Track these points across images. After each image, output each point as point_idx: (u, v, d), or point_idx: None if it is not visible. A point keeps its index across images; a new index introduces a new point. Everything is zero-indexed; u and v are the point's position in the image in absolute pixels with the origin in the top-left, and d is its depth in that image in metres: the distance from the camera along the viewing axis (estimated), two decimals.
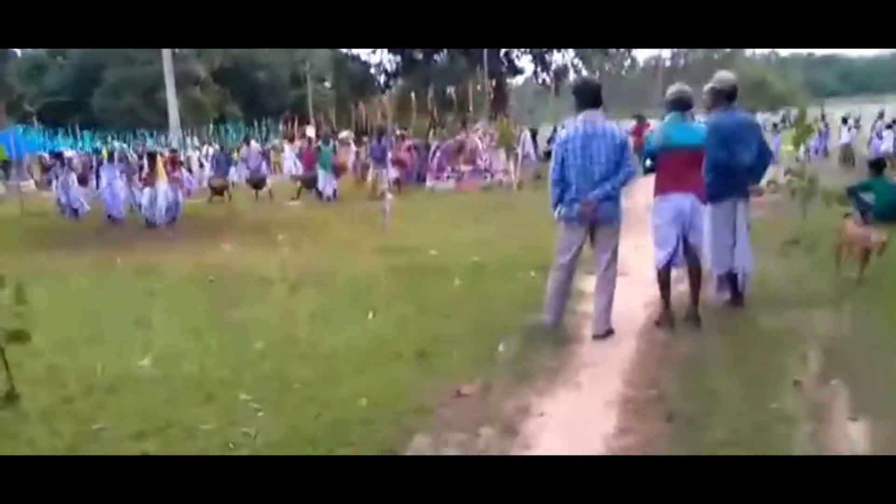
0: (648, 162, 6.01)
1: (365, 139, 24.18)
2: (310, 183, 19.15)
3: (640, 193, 6.45)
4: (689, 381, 4.74)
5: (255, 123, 35.06)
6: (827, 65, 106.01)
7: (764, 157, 6.31)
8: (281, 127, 34.71)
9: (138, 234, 13.78)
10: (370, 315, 6.65)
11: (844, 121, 23.21)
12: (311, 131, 22.41)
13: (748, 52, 45.30)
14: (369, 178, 19.67)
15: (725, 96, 6.22)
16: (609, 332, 5.83)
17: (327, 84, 56.54)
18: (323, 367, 5.24)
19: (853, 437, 3.89)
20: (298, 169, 20.96)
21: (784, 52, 75.34)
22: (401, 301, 7.17)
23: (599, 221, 5.73)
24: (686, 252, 5.97)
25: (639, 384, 4.80)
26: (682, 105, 5.92)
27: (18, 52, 54.06)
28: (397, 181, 19.38)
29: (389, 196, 13.22)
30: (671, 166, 5.83)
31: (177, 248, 11.59)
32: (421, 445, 3.98)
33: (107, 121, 46.76)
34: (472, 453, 3.90)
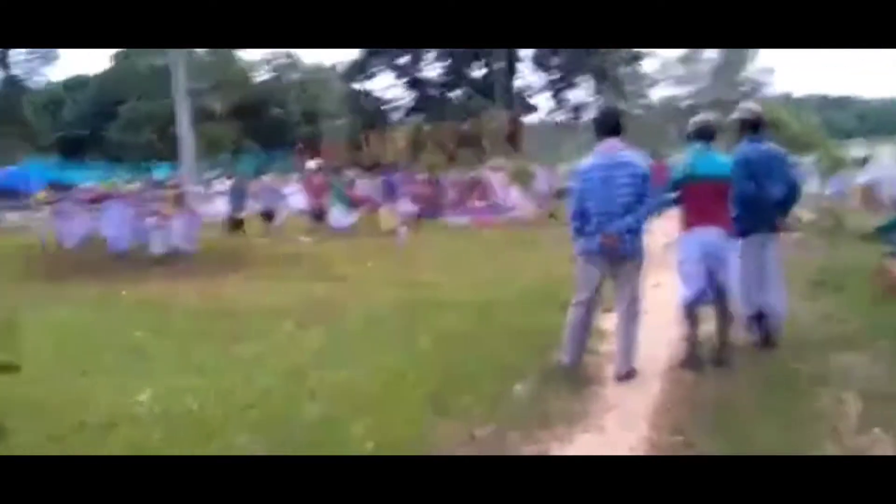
0: (672, 194, 5.75)
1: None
2: (318, 215, 18.92)
3: (658, 230, 6.19)
4: (719, 427, 4.42)
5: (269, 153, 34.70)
6: (842, 106, 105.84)
7: (793, 189, 6.05)
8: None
9: (146, 268, 13.56)
10: (380, 352, 6.36)
11: (864, 161, 22.91)
12: (312, 164, 22.20)
13: (763, 92, 45.09)
14: (381, 212, 19.37)
15: (750, 126, 5.98)
16: (632, 373, 5.53)
17: (338, 122, 56.95)
18: (330, 406, 4.96)
19: None
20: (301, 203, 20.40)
21: (798, 94, 75.29)
22: (413, 337, 6.89)
23: (621, 256, 5.46)
24: (714, 289, 5.68)
25: (665, 428, 4.49)
26: (706, 135, 5.69)
27: (33, 86, 54.56)
28: (416, 216, 19.21)
29: (404, 228, 12.99)
30: (697, 199, 5.57)
31: (185, 282, 11.35)
32: None
33: (123, 155, 47.05)
34: None
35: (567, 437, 4.44)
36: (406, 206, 19.47)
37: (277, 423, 4.68)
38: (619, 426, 4.60)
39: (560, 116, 43.41)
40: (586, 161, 5.55)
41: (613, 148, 5.41)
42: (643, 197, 5.38)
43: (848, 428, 4.32)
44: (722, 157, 5.69)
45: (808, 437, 4.21)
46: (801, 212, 9.67)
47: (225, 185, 21.80)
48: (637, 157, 5.46)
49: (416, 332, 7.09)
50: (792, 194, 6.04)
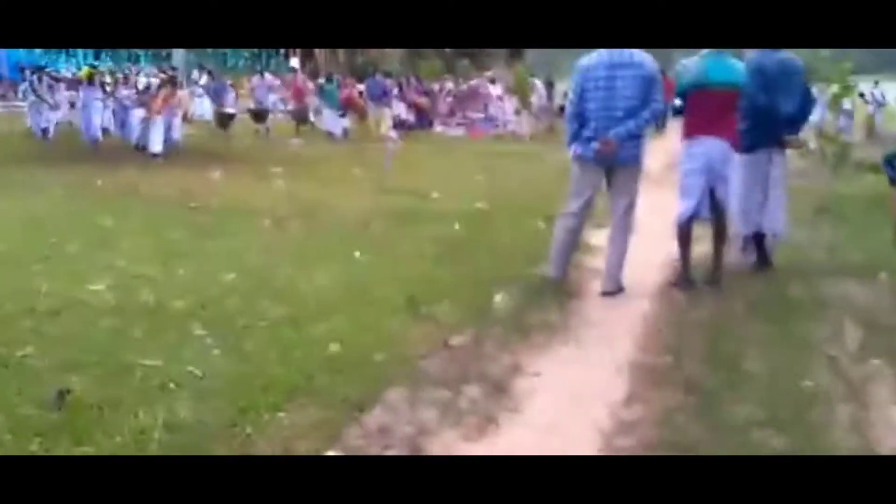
0: (678, 101, 5.33)
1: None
2: (301, 119, 18.32)
3: (658, 150, 5.78)
4: (710, 350, 4.13)
5: (260, 54, 32.92)
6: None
7: (807, 105, 5.64)
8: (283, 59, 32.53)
9: (126, 158, 13.04)
10: (357, 255, 6.04)
11: (861, 95, 22.24)
12: (295, 62, 21.42)
13: None
14: (370, 118, 18.76)
15: None
16: (620, 290, 5.22)
17: None
18: (296, 306, 4.64)
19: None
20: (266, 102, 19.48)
21: None
22: (394, 243, 6.57)
23: (619, 163, 5.08)
24: (712, 205, 5.32)
25: (651, 349, 4.20)
26: None
27: None
28: (410, 125, 18.69)
29: (394, 135, 12.50)
30: (705, 107, 5.14)
31: (164, 175, 10.90)
32: (394, 400, 3.40)
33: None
34: (454, 413, 3.32)
35: (545, 349, 4.15)
36: (401, 112, 18.93)
37: (237, 319, 4.37)
38: (600, 342, 4.31)
39: None
40: (590, 57, 5.10)
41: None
42: (648, 101, 4.97)
43: (845, 357, 4.03)
44: (736, 64, 5.24)
45: (802, 365, 3.92)
46: (807, 136, 9.22)
47: (255, 81, 20.81)
48: (646, 58, 5.01)
49: (397, 238, 6.76)
50: (805, 109, 5.63)
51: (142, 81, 18.37)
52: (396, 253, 6.16)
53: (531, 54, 32.22)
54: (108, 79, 17.67)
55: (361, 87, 20.18)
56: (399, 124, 18.44)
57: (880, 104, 21.86)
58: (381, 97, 17.89)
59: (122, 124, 15.04)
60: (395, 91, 19.45)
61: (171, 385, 3.40)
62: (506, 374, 3.75)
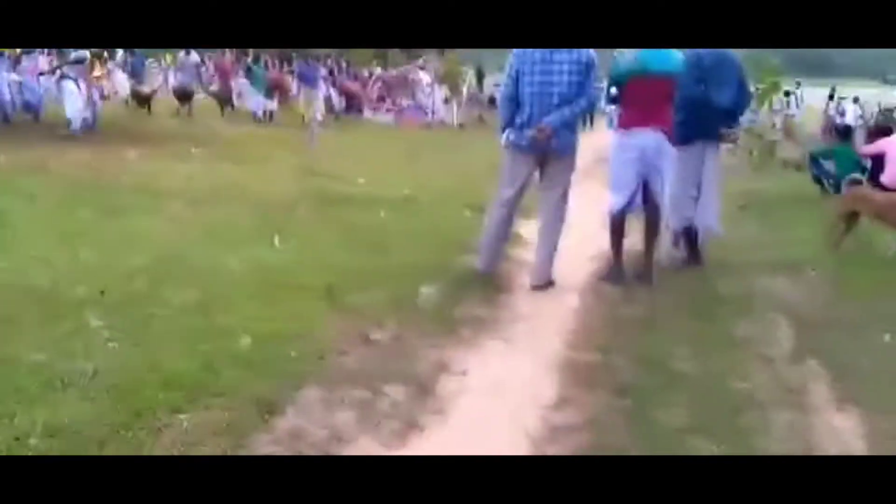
0: (613, 90, 5.16)
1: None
2: (224, 100, 17.65)
3: (586, 143, 5.59)
4: (642, 348, 3.97)
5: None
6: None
7: (743, 98, 5.55)
8: None
9: (35, 134, 12.23)
10: (276, 240, 5.70)
11: (787, 94, 22.82)
12: None
13: None
14: (301, 102, 18.20)
15: None
16: (550, 284, 5.04)
17: None
18: (207, 293, 4.30)
19: (836, 426, 3.20)
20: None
21: None
22: (316, 229, 6.25)
23: (553, 152, 4.88)
24: (645, 198, 5.19)
25: (582, 346, 4.02)
26: None
27: None
28: (339, 110, 18.26)
29: (319, 116, 12.09)
30: (640, 96, 4.99)
31: (77, 153, 10.23)
32: (307, 402, 3.11)
33: None
34: (373, 415, 3.06)
35: (472, 345, 3.93)
36: (331, 97, 18.48)
37: (140, 307, 4.00)
38: (529, 337, 4.12)
39: None
40: None
41: None
42: (584, 88, 4.78)
43: (780, 357, 3.92)
44: (673, 53, 5.10)
45: (736, 365, 3.80)
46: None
47: (181, 58, 19.78)
48: None
49: (320, 224, 6.45)
50: (742, 102, 5.55)
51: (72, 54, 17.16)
52: (318, 239, 5.86)
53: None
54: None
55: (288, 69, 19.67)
56: (329, 109, 18.00)
57: (798, 105, 22.42)
58: (312, 81, 17.36)
59: (29, 98, 13.96)
60: (325, 75, 18.94)
61: (58, 383, 3.03)
62: (430, 373, 3.51)
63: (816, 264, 5.74)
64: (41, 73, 14.26)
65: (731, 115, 5.49)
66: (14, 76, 13.59)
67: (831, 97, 23.16)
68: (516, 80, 4.82)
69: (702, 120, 5.31)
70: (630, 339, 4.11)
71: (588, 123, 15.02)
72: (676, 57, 5.07)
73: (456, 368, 3.60)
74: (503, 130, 4.99)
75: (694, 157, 5.46)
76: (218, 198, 7.30)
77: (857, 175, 7.35)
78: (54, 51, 18.19)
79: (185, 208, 6.79)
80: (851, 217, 6.08)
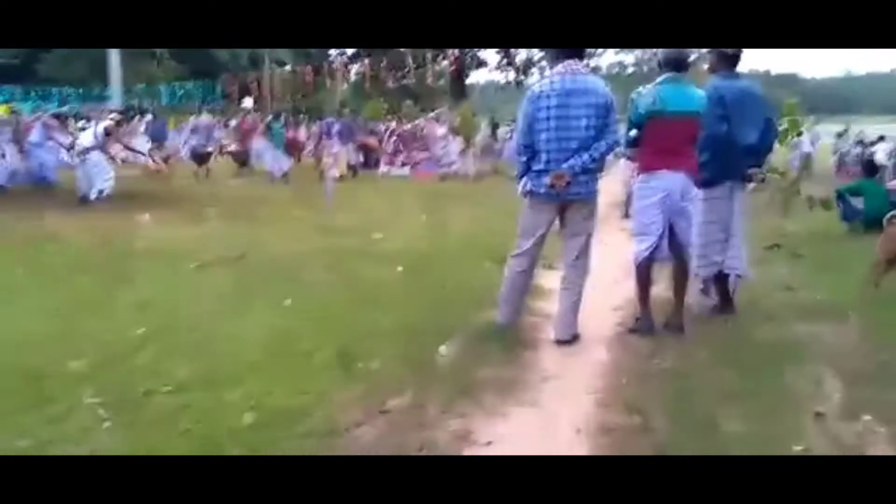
0: (634, 132, 4.94)
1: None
2: (243, 160, 17.64)
3: (605, 181, 5.36)
4: (680, 407, 3.66)
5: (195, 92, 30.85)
6: (784, 84, 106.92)
7: (769, 135, 5.27)
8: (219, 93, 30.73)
9: (47, 202, 12.10)
10: (288, 302, 5.47)
11: (800, 134, 22.63)
12: (248, 102, 20.80)
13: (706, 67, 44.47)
14: (327, 158, 18.11)
15: (728, 60, 5.14)
16: (575, 338, 4.76)
17: (287, 67, 54.58)
18: (211, 365, 4.05)
19: None
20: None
21: (742, 69, 75.85)
22: (329, 288, 6.01)
23: (573, 199, 4.64)
24: (671, 244, 4.92)
25: (614, 406, 3.71)
26: (679, 65, 4.87)
27: None
28: (359, 166, 18.22)
29: (335, 172, 11.93)
30: (662, 138, 4.76)
31: (89, 219, 10.11)
32: None
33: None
34: None
35: (497, 411, 3.63)
36: (349, 154, 18.44)
37: (139, 383, 3.75)
38: (558, 399, 3.82)
39: (510, 75, 42.19)
40: (540, 84, 4.67)
41: (573, 71, 4.54)
42: (604, 131, 4.56)
43: (831, 412, 3.60)
44: (694, 91, 4.88)
45: (786, 424, 3.48)
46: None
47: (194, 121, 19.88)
48: (599, 84, 4.60)
49: (334, 283, 6.22)
50: (768, 141, 5.28)
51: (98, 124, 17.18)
52: (331, 299, 5.61)
53: (475, 96, 32.21)
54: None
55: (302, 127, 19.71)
56: (348, 166, 17.98)
57: (813, 144, 22.19)
58: (341, 137, 17.39)
59: (40, 167, 13.78)
60: (340, 129, 18.95)
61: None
62: (452, 444, 3.22)
63: (854, 307, 5.42)
64: (70, 147, 14.00)
65: (757, 154, 5.22)
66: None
67: (840, 135, 22.93)
68: (531, 126, 4.60)
69: (727, 160, 5.04)
70: (666, 396, 3.80)
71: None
72: (698, 95, 4.85)
73: (480, 439, 3.30)
74: (520, 179, 4.76)
75: (720, 199, 5.19)
76: (229, 260, 7.11)
77: None
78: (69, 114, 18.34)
79: (195, 273, 6.60)
80: (895, 256, 5.76)
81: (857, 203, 8.84)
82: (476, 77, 44.44)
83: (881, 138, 21.31)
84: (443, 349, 4.44)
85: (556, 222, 4.80)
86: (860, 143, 22.11)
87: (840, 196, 9.25)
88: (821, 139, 22.72)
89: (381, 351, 4.35)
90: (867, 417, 3.48)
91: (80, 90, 26.77)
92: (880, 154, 18.59)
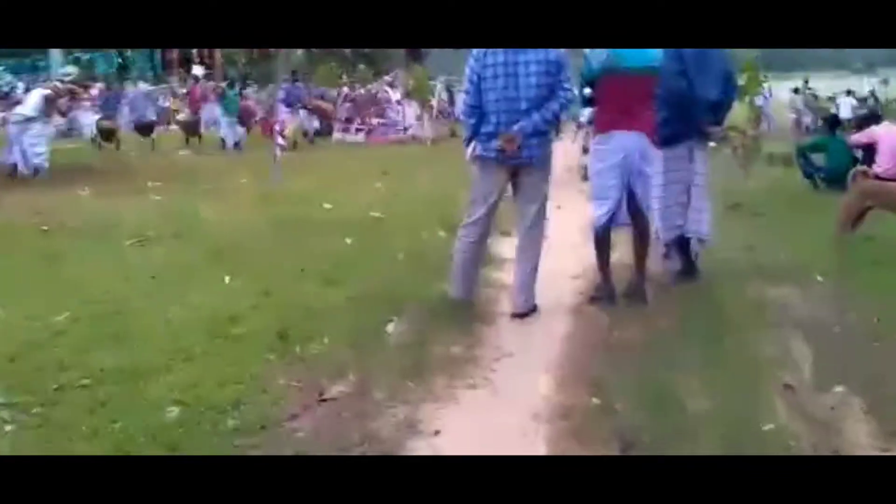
0: (588, 90, 4.65)
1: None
2: (193, 129, 17.04)
3: (556, 149, 5.06)
4: (643, 384, 3.43)
5: (123, 57, 29.26)
6: None
7: (730, 91, 5.04)
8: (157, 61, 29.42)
9: None
10: (227, 279, 5.13)
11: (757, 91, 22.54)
12: (198, 70, 20.16)
13: None
14: (280, 127, 17.52)
15: None
16: (533, 310, 4.51)
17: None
18: (137, 352, 3.72)
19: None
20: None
21: None
22: (275, 262, 5.68)
23: (525, 163, 4.35)
24: (631, 208, 4.67)
25: (574, 386, 3.47)
26: None
27: None
28: (314, 132, 17.73)
29: (281, 141, 11.48)
30: (617, 96, 4.47)
31: (23, 195, 9.57)
32: None
33: None
34: None
35: (447, 395, 3.37)
36: (303, 121, 17.95)
37: (53, 377, 3.41)
38: (513, 379, 3.56)
39: None
40: None
41: None
42: (555, 90, 4.27)
43: (802, 384, 3.39)
44: None
45: (754, 395, 3.27)
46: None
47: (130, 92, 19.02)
48: None
49: (278, 256, 5.88)
50: (729, 95, 5.04)
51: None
52: (274, 276, 5.28)
53: (431, 58, 31.56)
54: None
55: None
56: (304, 132, 17.52)
57: (766, 99, 22.12)
58: (288, 104, 16.85)
59: None
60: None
61: None
62: (397, 436, 2.94)
63: (820, 267, 5.26)
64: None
65: (718, 111, 4.98)
66: None
67: (796, 90, 22.86)
68: (478, 87, 4.29)
69: (687, 117, 4.82)
70: (629, 372, 3.56)
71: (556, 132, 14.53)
72: (653, 50, 4.57)
73: (428, 428, 3.03)
74: (468, 143, 4.46)
75: (681, 159, 4.96)
76: (170, 234, 6.74)
77: (863, 167, 6.85)
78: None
79: (132, 250, 6.22)
80: (861, 212, 5.60)
81: (818, 160, 8.69)
82: None
83: (848, 92, 21.27)
84: (390, 327, 4.17)
85: (509, 188, 4.53)
86: (815, 97, 22.10)
87: (802, 153, 9.10)
88: (773, 96, 22.67)
89: (324, 331, 4.05)
90: (839, 389, 3.28)
91: (13, 60, 25.52)
92: (844, 109, 18.57)
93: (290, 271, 5.38)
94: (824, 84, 24.87)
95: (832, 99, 22.06)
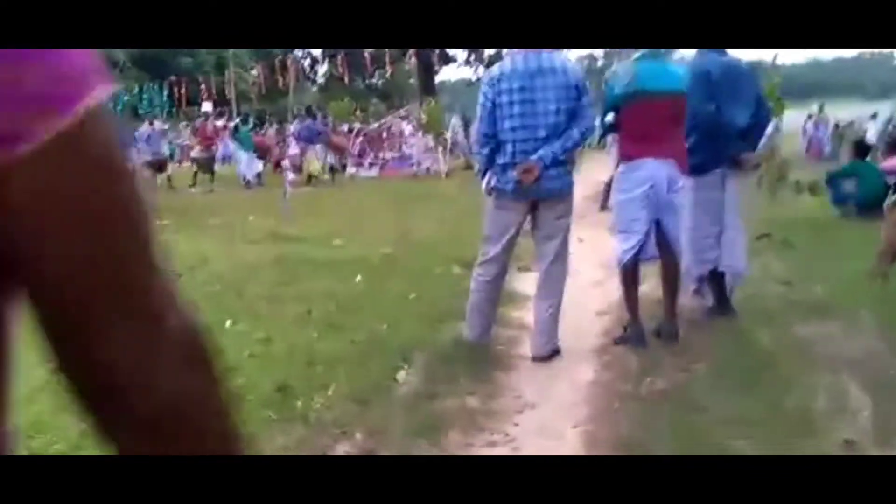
0: (610, 116, 4.34)
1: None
2: (207, 166, 16.91)
3: (582, 169, 4.78)
4: (681, 437, 3.07)
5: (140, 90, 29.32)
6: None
7: (762, 115, 4.72)
8: (165, 98, 29.42)
9: None
10: (228, 324, 4.82)
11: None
12: (207, 106, 20.12)
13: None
14: (290, 162, 17.40)
15: None
16: (555, 353, 4.16)
17: (254, 72, 53.76)
18: None
19: None
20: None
21: None
22: (279, 304, 5.37)
23: (545, 195, 4.04)
24: (660, 241, 4.33)
25: (605, 439, 3.12)
26: None
27: None
28: (331, 168, 17.58)
29: (291, 177, 11.26)
30: (642, 121, 4.16)
31: None
32: None
33: None
34: None
35: (463, 451, 3.02)
36: (328, 156, 17.80)
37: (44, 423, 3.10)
38: (535, 436, 3.20)
39: (479, 70, 41.65)
40: (501, 65, 4.08)
41: (538, 49, 3.93)
42: (576, 116, 3.96)
43: (859, 436, 3.02)
44: (675, 69, 4.30)
45: (807, 448, 2.90)
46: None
47: (145, 129, 19.11)
48: (569, 62, 4.01)
49: (283, 298, 5.57)
50: (761, 120, 4.71)
51: None
52: (278, 317, 4.97)
53: (444, 93, 31.65)
54: None
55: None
56: (331, 169, 17.41)
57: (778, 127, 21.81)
58: (299, 139, 16.74)
59: None
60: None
61: None
62: None
63: (861, 303, 4.88)
64: None
65: (749, 136, 4.64)
66: None
67: (810, 116, 22.52)
68: (493, 114, 3.99)
69: (717, 144, 4.48)
70: (665, 421, 3.20)
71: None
72: (680, 73, 4.27)
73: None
74: (483, 175, 4.15)
75: (711, 188, 4.62)
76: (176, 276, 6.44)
77: None
78: None
79: None
80: None
81: (849, 186, 8.32)
82: (446, 74, 43.93)
83: (873, 116, 20.88)
84: (401, 376, 3.82)
85: (527, 223, 4.21)
86: (836, 126, 21.73)
87: (831, 180, 8.74)
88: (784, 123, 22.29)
89: (329, 381, 3.72)
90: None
91: None
92: (871, 133, 18.15)
93: (293, 315, 5.07)
94: (840, 110, 24.48)
95: (851, 125, 21.66)
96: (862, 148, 9.15)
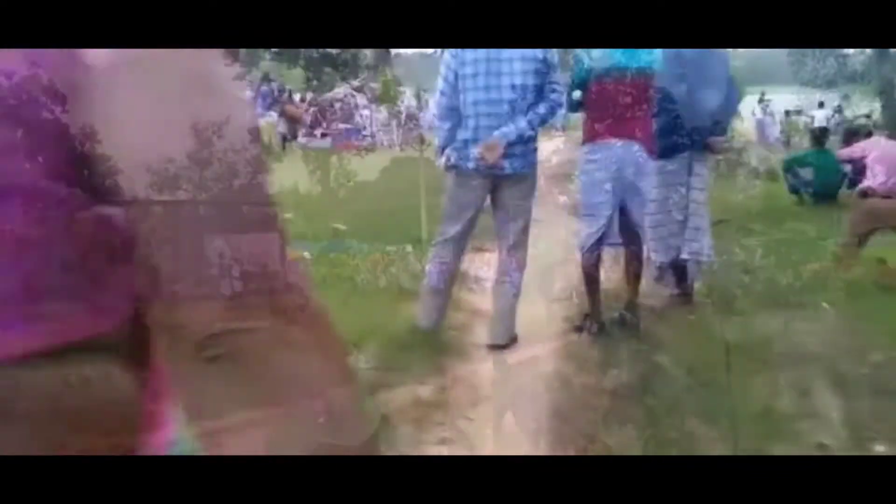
0: (577, 93, 4.12)
1: None
2: None
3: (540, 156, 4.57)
4: (644, 435, 2.90)
5: None
6: None
7: (733, 97, 4.56)
8: None
9: None
10: None
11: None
12: None
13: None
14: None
15: None
16: (512, 341, 3.96)
17: None
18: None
19: None
20: None
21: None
22: None
23: (508, 174, 3.81)
24: (623, 227, 4.15)
25: (565, 435, 2.93)
26: None
27: None
28: (283, 137, 17.12)
29: None
30: (610, 100, 3.95)
31: None
32: None
33: None
34: None
35: (413, 450, 2.81)
36: (281, 125, 17.35)
37: None
38: (489, 433, 3.00)
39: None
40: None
41: None
42: (543, 91, 3.74)
43: (836, 440, 2.88)
44: None
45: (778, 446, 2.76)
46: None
47: None
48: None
49: None
50: (732, 103, 4.57)
51: None
52: None
53: (399, 65, 31.11)
54: None
55: None
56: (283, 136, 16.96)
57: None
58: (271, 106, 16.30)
59: None
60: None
61: None
62: None
63: (823, 293, 4.78)
64: None
65: (719, 119, 4.48)
66: None
67: (760, 101, 22.76)
68: (455, 86, 3.74)
69: (686, 126, 4.31)
70: (624, 415, 3.03)
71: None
72: (648, 51, 4.06)
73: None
74: (442, 150, 3.91)
75: (678, 172, 4.46)
76: None
77: (867, 184, 6.41)
78: None
79: None
80: (866, 234, 5.14)
81: (806, 174, 8.29)
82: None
83: (821, 105, 21.16)
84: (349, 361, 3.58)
85: (487, 201, 3.99)
86: (786, 113, 21.98)
87: (788, 167, 8.70)
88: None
89: None
90: (880, 448, 2.77)
91: None
92: (818, 119, 18.39)
93: None
94: (779, 98, 24.72)
95: (799, 113, 21.95)
96: (819, 136, 9.14)
